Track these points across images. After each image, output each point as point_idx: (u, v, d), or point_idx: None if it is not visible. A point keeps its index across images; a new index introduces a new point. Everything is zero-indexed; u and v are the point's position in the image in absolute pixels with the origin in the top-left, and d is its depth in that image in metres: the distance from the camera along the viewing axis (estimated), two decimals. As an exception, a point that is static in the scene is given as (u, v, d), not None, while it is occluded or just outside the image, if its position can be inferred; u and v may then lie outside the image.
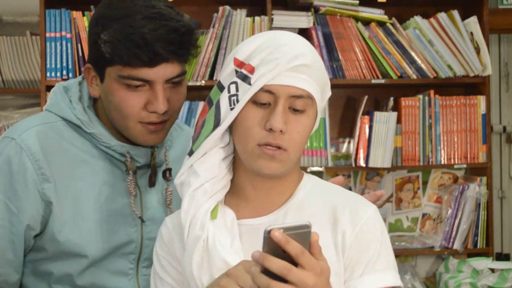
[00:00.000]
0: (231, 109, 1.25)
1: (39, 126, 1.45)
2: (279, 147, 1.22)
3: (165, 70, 1.39)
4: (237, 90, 1.24)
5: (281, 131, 1.20)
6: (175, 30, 1.37)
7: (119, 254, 1.48)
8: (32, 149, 1.40)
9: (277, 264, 1.00)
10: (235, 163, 1.33)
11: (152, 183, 1.51)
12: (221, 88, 1.28)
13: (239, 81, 1.24)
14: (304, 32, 3.33)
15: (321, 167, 3.28)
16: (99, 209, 1.45)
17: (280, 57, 1.21)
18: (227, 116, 1.25)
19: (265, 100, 1.22)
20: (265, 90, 1.21)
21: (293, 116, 1.23)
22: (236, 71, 1.25)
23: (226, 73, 1.28)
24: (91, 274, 1.46)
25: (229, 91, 1.25)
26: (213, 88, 1.30)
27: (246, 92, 1.22)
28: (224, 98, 1.26)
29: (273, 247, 1.00)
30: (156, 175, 1.52)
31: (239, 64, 1.25)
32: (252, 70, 1.23)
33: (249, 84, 1.22)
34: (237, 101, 1.24)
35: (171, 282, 1.33)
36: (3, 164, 1.41)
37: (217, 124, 1.26)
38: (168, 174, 1.53)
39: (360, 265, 1.24)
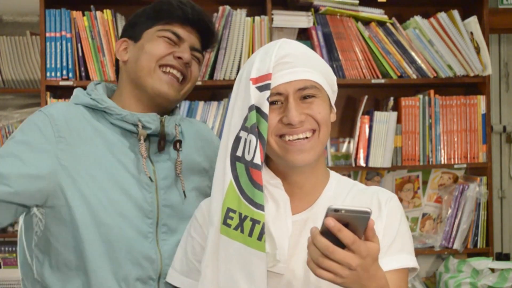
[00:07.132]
0: None
1: (65, 104, 1.68)
2: (312, 130, 1.32)
3: (194, 38, 1.69)
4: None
5: (301, 121, 1.31)
6: (202, 11, 1.70)
7: (138, 212, 1.58)
8: (54, 116, 1.61)
9: (321, 244, 1.10)
10: (269, 165, 1.42)
11: (161, 148, 1.66)
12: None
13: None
14: (304, 32, 3.33)
15: (321, 167, 3.28)
16: (115, 173, 1.59)
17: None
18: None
19: (276, 99, 1.33)
20: (274, 93, 1.31)
21: (307, 104, 1.33)
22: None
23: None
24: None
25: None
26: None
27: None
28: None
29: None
30: (165, 142, 1.66)
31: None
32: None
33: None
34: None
35: (201, 241, 1.45)
36: (32, 126, 1.61)
37: None
38: (178, 145, 1.67)
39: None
